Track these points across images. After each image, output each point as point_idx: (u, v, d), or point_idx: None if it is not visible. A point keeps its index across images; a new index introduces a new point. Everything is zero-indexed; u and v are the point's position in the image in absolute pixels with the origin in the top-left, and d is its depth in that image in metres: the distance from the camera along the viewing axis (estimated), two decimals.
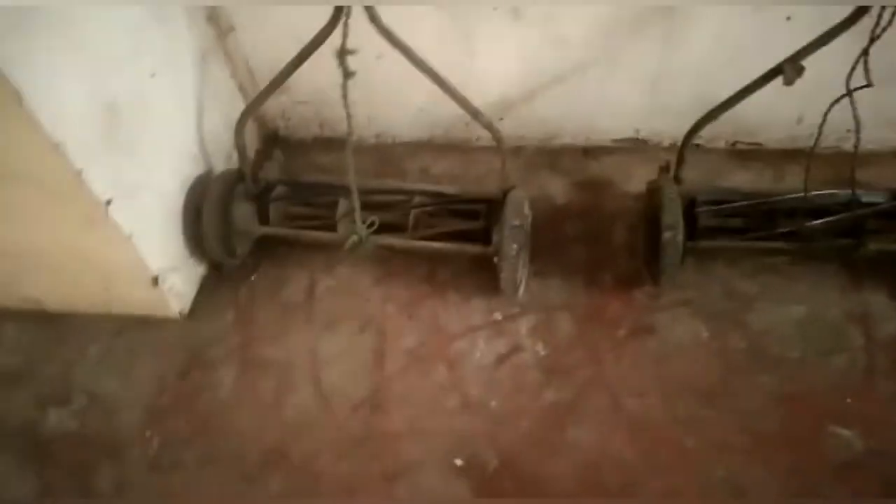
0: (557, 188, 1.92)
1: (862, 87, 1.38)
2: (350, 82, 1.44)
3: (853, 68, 1.36)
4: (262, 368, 1.61)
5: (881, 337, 1.52)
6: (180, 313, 1.69)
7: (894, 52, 1.34)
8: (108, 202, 1.39)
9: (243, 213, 1.70)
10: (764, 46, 1.44)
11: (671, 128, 1.84)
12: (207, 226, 1.63)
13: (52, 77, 1.23)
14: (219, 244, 1.65)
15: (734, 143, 1.95)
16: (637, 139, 1.97)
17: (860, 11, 1.30)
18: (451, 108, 1.53)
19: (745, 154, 1.94)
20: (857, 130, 1.43)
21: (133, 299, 1.64)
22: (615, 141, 1.99)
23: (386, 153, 2.06)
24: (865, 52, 1.33)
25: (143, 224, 1.51)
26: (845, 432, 1.39)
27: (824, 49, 1.35)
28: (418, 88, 1.58)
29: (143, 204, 1.51)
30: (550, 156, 2.01)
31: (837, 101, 1.42)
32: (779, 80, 1.39)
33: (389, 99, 1.92)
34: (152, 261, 1.56)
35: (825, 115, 1.44)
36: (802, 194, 1.52)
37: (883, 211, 1.54)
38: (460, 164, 2.00)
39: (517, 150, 1.99)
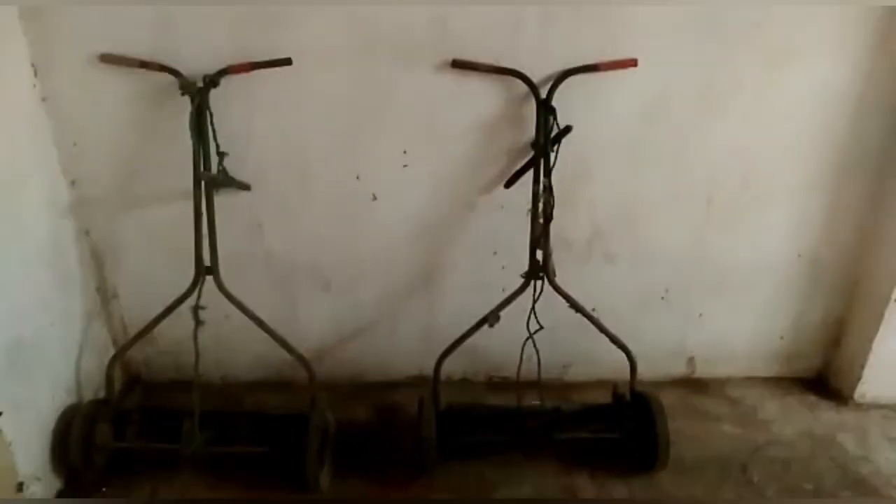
0: (363, 412, 2.53)
1: (537, 331, 2.20)
2: (201, 334, 2.09)
3: (528, 318, 2.18)
4: None
5: None
6: None
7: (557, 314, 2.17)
8: (0, 414, 1.83)
9: (103, 432, 2.14)
10: (485, 310, 2.22)
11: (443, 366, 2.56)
12: (73, 439, 2.05)
13: None
14: (80, 455, 2.05)
15: (490, 378, 2.71)
16: (421, 376, 2.66)
17: (525, 285, 2.17)
18: (280, 354, 2.18)
19: (499, 385, 2.68)
20: (539, 361, 2.21)
21: None
22: (407, 377, 2.69)
23: (229, 392, 2.61)
24: (532, 309, 2.18)
25: (21, 436, 1.93)
26: None
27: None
28: (255, 339, 2.22)
29: (24, 420, 1.95)
30: (359, 389, 2.65)
31: (527, 339, 2.22)
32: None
33: (233, 347, 2.55)
34: (21, 468, 1.93)
35: (521, 350, 2.22)
36: (517, 405, 2.25)
37: (570, 415, 2.28)
38: (288, 398, 2.56)
39: (332, 387, 2.59)
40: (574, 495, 2.15)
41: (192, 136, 1.99)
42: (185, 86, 2.01)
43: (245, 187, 2.23)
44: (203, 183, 2.04)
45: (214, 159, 2.09)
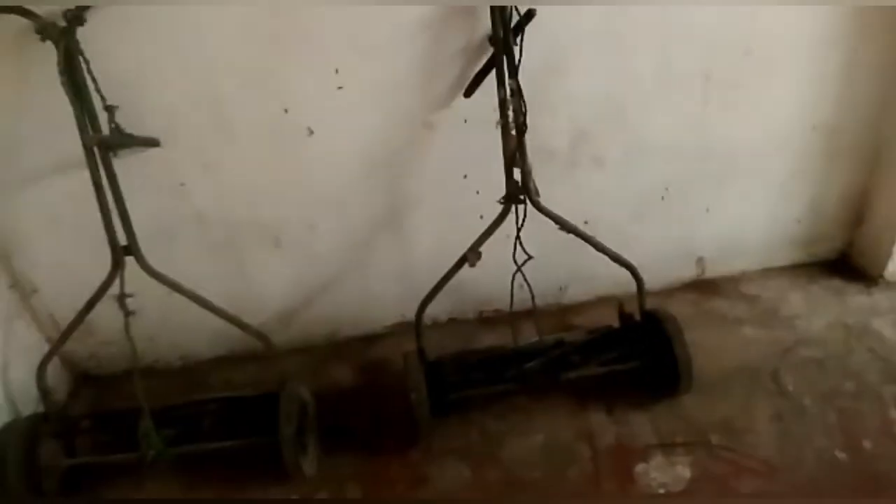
0: (344, 374, 2.26)
1: (525, 262, 1.89)
2: (143, 319, 1.78)
3: (514, 247, 1.87)
4: None
5: (603, 447, 1.89)
6: None
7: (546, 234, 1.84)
8: None
9: (50, 450, 1.86)
10: (464, 241, 1.89)
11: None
12: (11, 467, 1.76)
13: None
14: (22, 482, 1.77)
15: (481, 313, 2.42)
16: (404, 322, 2.37)
17: (505, 211, 1.83)
18: None
19: (491, 320, 2.40)
20: (532, 293, 1.92)
21: None
22: (386, 327, 2.40)
23: (191, 374, 2.32)
24: (518, 237, 1.86)
25: None
26: None
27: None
28: (209, 313, 1.90)
29: None
30: (337, 348, 2.37)
31: (516, 272, 1.91)
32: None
33: (186, 324, 2.23)
34: None
35: (511, 282, 1.92)
36: (514, 345, 1.97)
37: (576, 347, 2.01)
38: (258, 372, 2.28)
39: (307, 349, 2.33)
40: (592, 436, 1.91)
41: (67, 91, 1.58)
42: (44, 29, 1.58)
43: (152, 143, 1.84)
44: (95, 149, 1.65)
45: (104, 116, 1.70)
